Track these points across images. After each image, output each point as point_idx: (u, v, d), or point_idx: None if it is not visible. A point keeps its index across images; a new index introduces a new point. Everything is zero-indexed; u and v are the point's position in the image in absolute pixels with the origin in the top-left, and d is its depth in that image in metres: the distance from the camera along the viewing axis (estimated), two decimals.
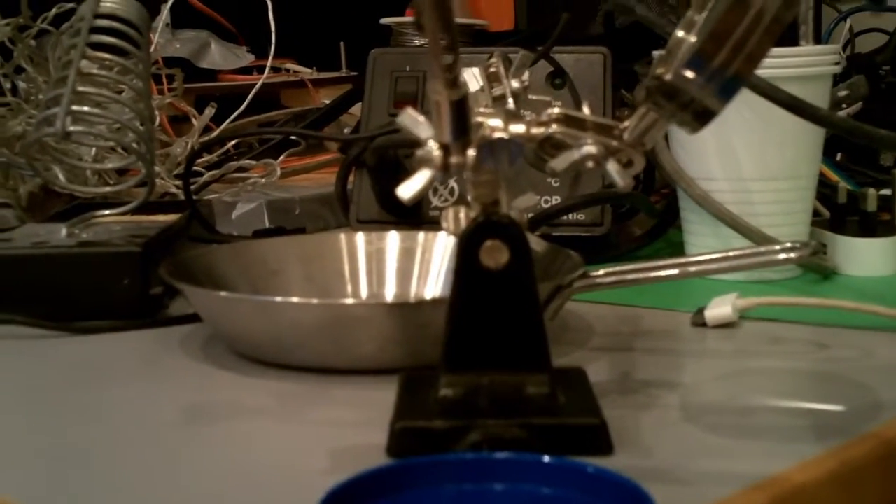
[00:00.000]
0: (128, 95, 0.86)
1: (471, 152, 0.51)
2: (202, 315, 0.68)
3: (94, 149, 0.99)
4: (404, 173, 0.88)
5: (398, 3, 1.20)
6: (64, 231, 0.79)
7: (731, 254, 0.64)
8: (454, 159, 0.51)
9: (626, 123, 0.53)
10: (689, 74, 0.47)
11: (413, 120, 0.52)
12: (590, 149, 0.52)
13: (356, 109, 1.15)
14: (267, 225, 1.00)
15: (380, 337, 0.60)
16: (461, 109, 0.50)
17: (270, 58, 1.24)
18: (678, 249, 0.86)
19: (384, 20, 1.11)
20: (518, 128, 0.53)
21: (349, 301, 0.68)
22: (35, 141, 0.79)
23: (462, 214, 0.58)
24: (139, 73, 0.84)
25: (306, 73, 1.36)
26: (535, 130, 0.53)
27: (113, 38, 0.82)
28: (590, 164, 0.53)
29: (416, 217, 0.90)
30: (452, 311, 0.53)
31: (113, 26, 0.82)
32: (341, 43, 1.41)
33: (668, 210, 0.88)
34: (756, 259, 0.63)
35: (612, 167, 0.53)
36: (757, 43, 0.46)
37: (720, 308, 0.69)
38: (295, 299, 0.63)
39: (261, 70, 1.30)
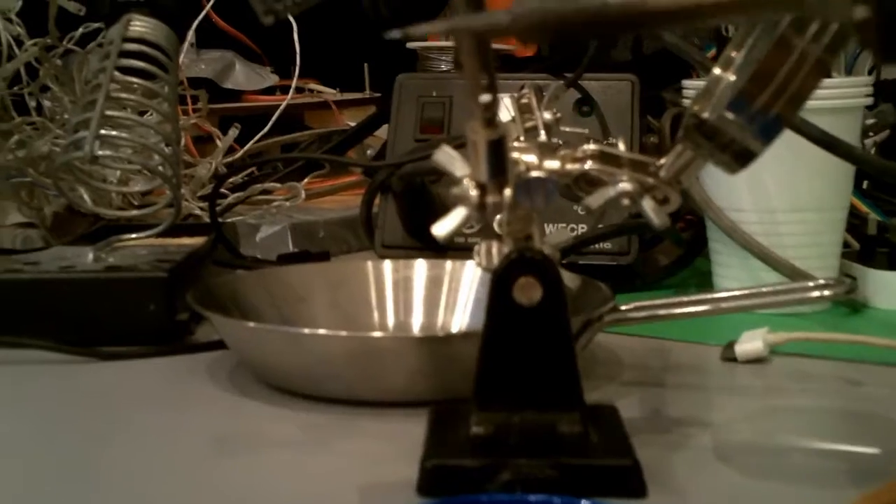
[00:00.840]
0: (154, 118, 0.86)
1: (507, 192, 0.50)
2: (230, 344, 0.68)
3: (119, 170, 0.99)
4: (430, 200, 0.89)
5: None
6: (91, 255, 0.79)
7: (763, 289, 0.64)
8: (490, 198, 0.50)
9: (663, 160, 0.52)
10: (730, 115, 0.47)
11: (448, 157, 0.52)
12: (625, 186, 0.52)
13: (381, 131, 1.15)
14: (291, 248, 1.00)
15: (409, 370, 0.60)
16: (499, 149, 0.50)
17: (295, 79, 1.24)
18: (705, 278, 0.86)
19: (411, 44, 1.11)
20: (553, 164, 0.53)
21: (378, 334, 0.67)
22: (63, 164, 0.79)
23: (494, 249, 0.57)
24: (166, 96, 0.84)
25: (330, 93, 1.36)
26: (570, 166, 0.53)
27: (141, 61, 0.82)
28: (625, 201, 0.52)
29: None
30: (484, 347, 0.53)
31: (141, 50, 0.82)
32: (365, 64, 1.41)
33: (694, 239, 0.87)
34: (789, 296, 0.63)
35: (647, 205, 0.52)
36: (800, 85, 0.46)
37: (751, 343, 0.69)
38: (323, 331, 0.63)
39: (284, 90, 1.30)
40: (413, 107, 0.95)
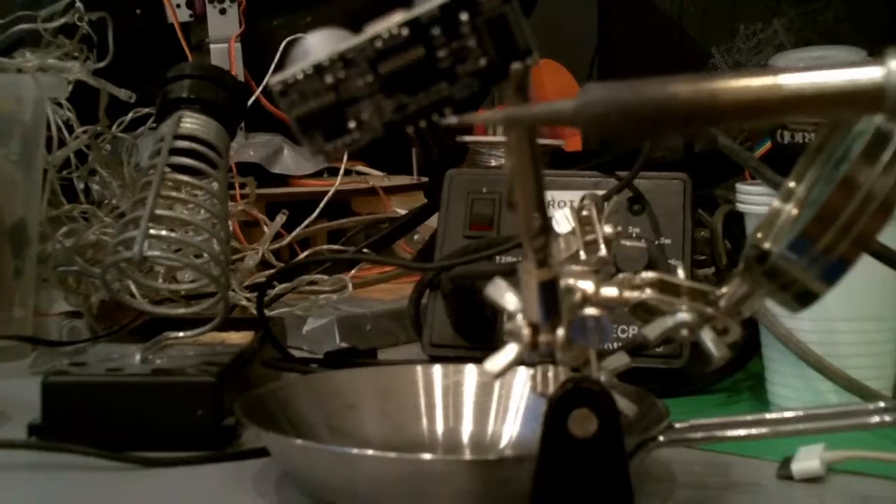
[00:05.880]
0: (204, 216, 0.86)
1: (560, 332, 0.49)
2: (277, 459, 0.67)
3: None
4: (479, 300, 0.88)
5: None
6: (138, 356, 0.78)
7: (821, 412, 0.62)
8: (543, 338, 0.50)
9: (723, 290, 0.52)
10: (792, 256, 0.46)
11: (500, 291, 0.51)
12: (684, 316, 0.51)
13: (430, 219, 1.14)
14: (338, 341, 0.99)
15: (460, 493, 0.59)
16: (551, 290, 0.49)
17: (343, 164, 1.24)
18: (758, 381, 0.85)
19: (460, 138, 1.11)
20: (610, 291, 0.52)
21: (428, 456, 0.66)
22: (112, 264, 0.79)
23: (550, 374, 0.56)
24: (216, 193, 0.84)
25: (377, 175, 1.36)
26: (629, 294, 0.52)
27: (192, 159, 0.82)
28: (684, 332, 0.51)
29: (491, 342, 0.89)
30: (538, 476, 0.52)
31: (192, 147, 0.82)
32: (413, 148, 1.41)
33: (747, 343, 0.86)
34: (848, 421, 0.61)
35: (706, 336, 0.51)
36: (865, 226, 0.45)
37: (807, 461, 0.67)
38: (371, 452, 0.62)
39: (331, 171, 1.30)
40: (462, 203, 0.94)
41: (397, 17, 0.48)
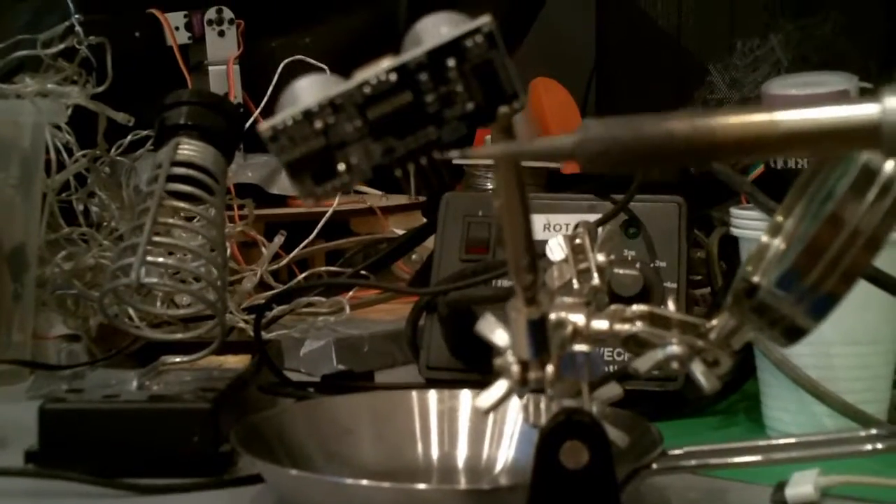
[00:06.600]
0: (201, 241, 0.87)
1: (550, 368, 0.50)
2: (274, 487, 0.67)
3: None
4: (476, 325, 0.88)
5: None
6: (135, 382, 0.79)
7: (814, 439, 0.63)
8: (533, 374, 0.50)
9: (713, 322, 0.52)
10: (780, 293, 0.46)
11: (490, 326, 0.51)
12: (674, 349, 0.52)
13: (428, 240, 1.15)
14: (335, 363, 1.00)
15: None
16: (540, 328, 0.50)
17: None
18: (753, 402, 0.85)
19: (456, 161, 1.11)
20: (601, 324, 0.53)
21: (423, 486, 0.67)
22: (109, 290, 0.80)
23: (542, 405, 0.57)
24: (213, 219, 0.85)
25: (375, 194, 1.36)
26: (619, 327, 0.53)
27: (189, 185, 0.82)
28: (674, 364, 0.52)
29: (488, 365, 0.89)
30: None
31: (190, 174, 0.83)
32: (410, 167, 1.41)
33: (742, 365, 0.86)
34: (841, 448, 0.62)
35: (696, 368, 0.52)
36: (852, 261, 0.45)
37: (801, 487, 0.67)
38: (365, 482, 0.62)
39: None
40: (459, 226, 0.94)
41: (385, 63, 0.49)
